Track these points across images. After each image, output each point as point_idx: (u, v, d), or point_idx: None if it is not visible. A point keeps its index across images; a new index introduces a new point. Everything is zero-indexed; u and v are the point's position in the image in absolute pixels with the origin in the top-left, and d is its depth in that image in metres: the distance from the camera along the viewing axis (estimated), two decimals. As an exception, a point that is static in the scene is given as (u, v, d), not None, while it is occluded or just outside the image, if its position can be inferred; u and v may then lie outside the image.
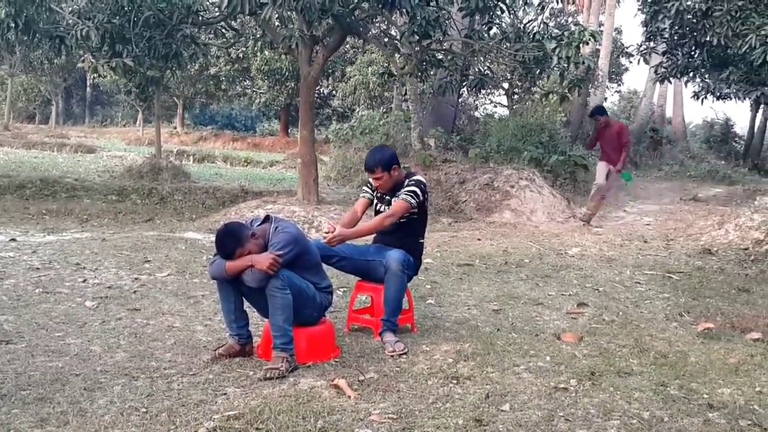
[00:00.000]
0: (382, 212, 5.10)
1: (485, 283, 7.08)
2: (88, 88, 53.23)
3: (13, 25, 10.24)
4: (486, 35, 12.40)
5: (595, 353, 4.68)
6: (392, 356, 4.53)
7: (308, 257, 4.51)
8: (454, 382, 4.03)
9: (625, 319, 5.76)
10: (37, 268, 6.88)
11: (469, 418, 3.49)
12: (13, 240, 8.50)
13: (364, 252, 5.11)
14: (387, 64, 19.90)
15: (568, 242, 10.21)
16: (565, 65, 10.89)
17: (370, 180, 5.17)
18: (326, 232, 4.78)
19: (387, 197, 5.12)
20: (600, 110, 12.86)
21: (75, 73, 41.40)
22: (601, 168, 12.43)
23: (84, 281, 6.42)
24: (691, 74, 17.96)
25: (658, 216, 14.20)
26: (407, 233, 5.04)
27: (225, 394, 3.81)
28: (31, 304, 5.53)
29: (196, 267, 7.29)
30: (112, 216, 11.37)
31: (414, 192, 4.94)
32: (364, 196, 5.29)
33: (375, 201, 5.22)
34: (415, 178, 5.03)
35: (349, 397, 3.77)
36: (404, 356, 4.53)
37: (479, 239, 10.47)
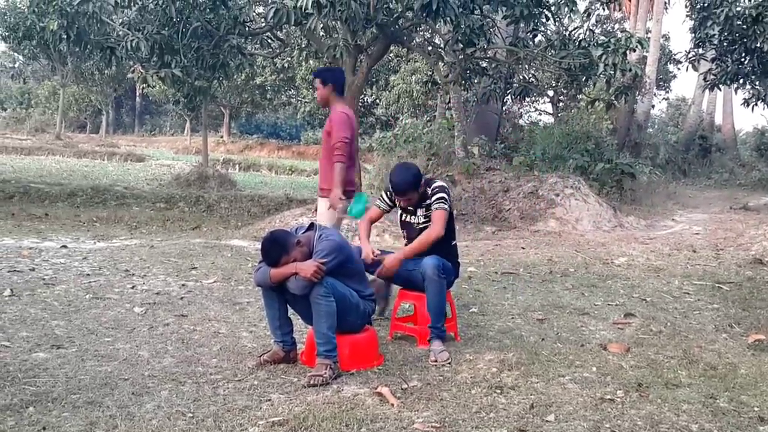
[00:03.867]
0: (409, 222, 5.16)
1: (530, 293, 7.03)
2: (137, 98, 54.31)
3: (65, 36, 10.52)
4: (531, 43, 12.37)
5: (643, 364, 4.60)
6: (434, 365, 4.52)
7: (351, 265, 4.53)
8: (498, 391, 4.00)
9: (674, 329, 5.66)
10: (88, 275, 7.01)
11: (514, 428, 3.46)
12: (65, 247, 8.68)
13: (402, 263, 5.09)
14: (431, 73, 19.94)
15: (615, 251, 10.07)
16: (612, 72, 10.80)
17: (389, 192, 5.20)
18: (372, 259, 4.97)
19: (411, 207, 5.14)
20: (321, 73, 6.21)
21: (125, 84, 42.17)
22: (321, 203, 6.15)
23: (133, 287, 6.53)
24: (741, 81, 17.71)
25: (708, 225, 13.94)
26: (436, 245, 4.98)
27: (269, 400, 3.84)
28: (82, 310, 5.64)
29: (241, 274, 7.36)
30: (161, 223, 11.56)
31: (444, 198, 4.98)
32: (379, 206, 5.32)
33: (400, 212, 5.24)
34: (437, 185, 5.06)
35: (393, 405, 3.76)
36: (447, 365, 4.51)
37: (523, 248, 10.40)
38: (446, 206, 4.98)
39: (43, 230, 10.10)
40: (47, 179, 15.69)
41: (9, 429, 3.24)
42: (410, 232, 5.17)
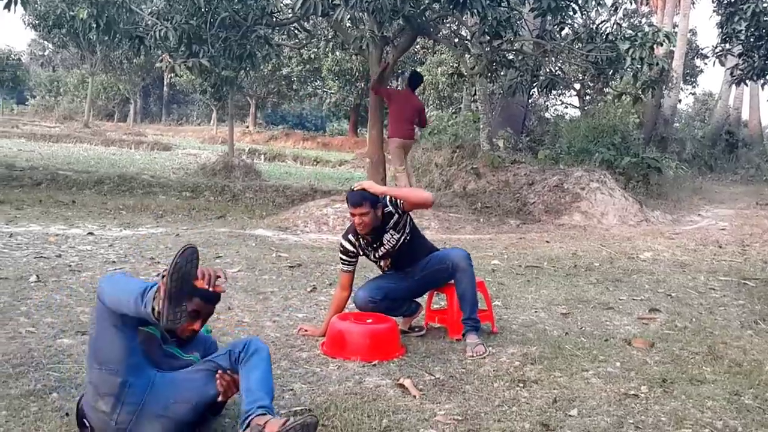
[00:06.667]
0: (380, 258, 4.89)
1: (553, 286, 7.00)
2: (165, 88, 54.73)
3: (94, 25, 10.61)
4: (558, 36, 12.28)
5: (667, 360, 4.57)
6: (472, 359, 4.46)
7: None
8: (521, 385, 3.99)
9: (699, 325, 5.61)
10: (113, 262, 7.08)
11: (536, 422, 3.45)
12: (91, 234, 8.78)
13: (404, 277, 4.92)
14: (457, 65, 19.86)
15: (640, 246, 10.00)
16: (639, 66, 10.69)
17: (349, 240, 4.83)
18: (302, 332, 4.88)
19: (375, 244, 4.82)
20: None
21: (153, 73, 42.52)
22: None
23: (158, 275, 6.56)
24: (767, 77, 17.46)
25: (734, 221, 13.80)
26: (418, 243, 4.90)
27: (292, 390, 3.86)
28: (108, 297, 5.68)
29: (265, 263, 7.40)
30: (186, 212, 11.64)
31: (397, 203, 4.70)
32: (346, 270, 4.88)
33: (370, 254, 4.89)
34: (388, 209, 4.70)
35: (414, 396, 3.77)
36: (472, 358, 4.49)
37: (548, 242, 10.35)
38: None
39: (70, 217, 10.21)
40: (75, 167, 15.86)
41: (32, 414, 3.28)
42: (390, 256, 4.89)
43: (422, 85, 28.61)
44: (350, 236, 4.83)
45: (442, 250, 4.91)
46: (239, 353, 3.13)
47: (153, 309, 2.75)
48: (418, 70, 29.59)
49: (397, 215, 4.72)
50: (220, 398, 3.08)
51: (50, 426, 3.17)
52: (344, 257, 4.87)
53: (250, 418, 2.91)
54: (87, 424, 3.05)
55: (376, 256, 4.88)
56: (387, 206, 4.70)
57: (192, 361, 3.31)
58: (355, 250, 4.84)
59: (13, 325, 4.70)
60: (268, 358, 3.17)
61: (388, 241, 4.78)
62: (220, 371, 3.09)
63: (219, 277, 3.02)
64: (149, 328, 3.16)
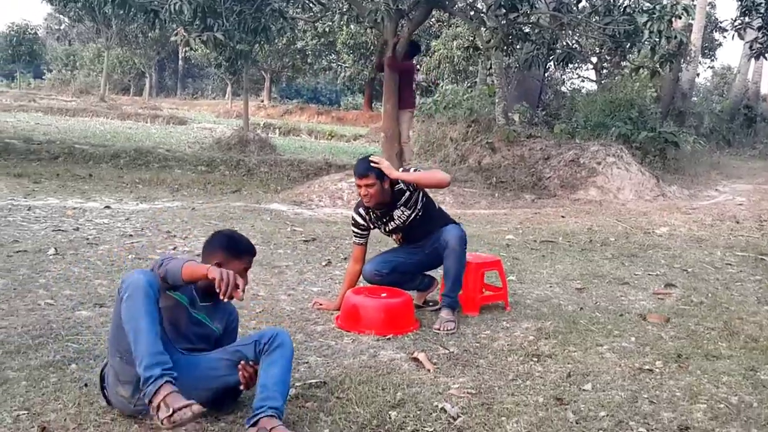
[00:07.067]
0: (391, 232, 4.91)
1: (568, 261, 6.98)
2: (180, 62, 54.78)
3: (110, -1, 10.57)
4: (575, 8, 12.14)
5: (683, 335, 4.56)
6: (438, 332, 4.47)
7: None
8: (535, 359, 4.00)
9: (715, 301, 5.59)
10: (130, 235, 7.13)
11: (550, 396, 3.46)
12: (108, 207, 8.83)
13: (415, 251, 4.92)
14: (472, 38, 19.69)
15: (657, 221, 9.95)
16: (657, 39, 10.58)
17: (360, 213, 4.84)
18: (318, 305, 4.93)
19: (385, 218, 4.81)
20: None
21: (168, 47, 42.59)
22: None
23: (174, 249, 6.62)
24: (788, 50, 17.25)
25: (751, 196, 13.70)
26: (431, 217, 4.86)
27: (307, 362, 3.88)
28: (124, 270, 5.70)
29: (280, 237, 7.42)
30: (202, 186, 11.68)
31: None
32: (358, 243, 4.89)
33: (381, 228, 4.87)
34: (399, 187, 4.70)
35: (429, 370, 3.78)
36: (438, 331, 4.49)
37: (563, 216, 10.32)
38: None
39: (87, 191, 10.27)
40: (91, 140, 15.90)
41: (52, 385, 3.31)
42: (401, 231, 4.88)
43: (437, 59, 28.56)
44: (361, 210, 4.83)
45: (450, 225, 4.84)
46: (264, 344, 3.15)
47: (150, 402, 2.75)
48: (433, 43, 29.51)
49: (408, 192, 4.71)
50: (241, 387, 3.11)
51: (69, 396, 3.20)
52: (356, 230, 4.89)
53: (258, 417, 2.92)
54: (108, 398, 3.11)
55: (387, 229, 4.89)
56: (398, 183, 4.68)
57: (215, 332, 3.34)
58: (366, 224, 4.84)
59: (32, 297, 4.75)
60: (290, 355, 3.16)
61: (399, 216, 4.77)
62: (243, 362, 3.10)
63: (237, 286, 3.00)
64: (176, 295, 3.18)
